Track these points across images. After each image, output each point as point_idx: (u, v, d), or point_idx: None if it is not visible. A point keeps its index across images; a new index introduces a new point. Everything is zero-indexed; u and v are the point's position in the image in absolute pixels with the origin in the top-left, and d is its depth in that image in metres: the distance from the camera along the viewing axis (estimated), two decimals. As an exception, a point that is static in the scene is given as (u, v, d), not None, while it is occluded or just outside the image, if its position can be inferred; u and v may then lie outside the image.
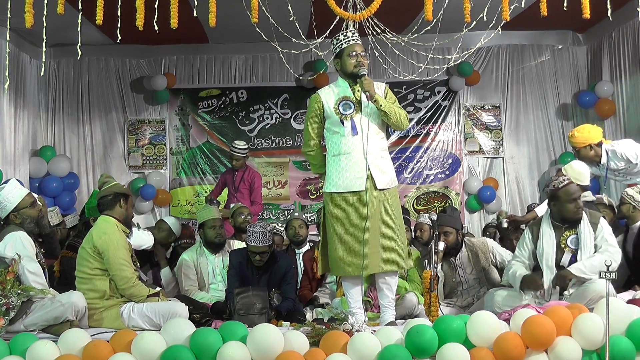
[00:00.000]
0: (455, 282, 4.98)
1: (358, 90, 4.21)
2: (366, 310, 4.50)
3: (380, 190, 4.15)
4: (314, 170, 4.56)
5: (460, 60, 7.35)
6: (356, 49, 4.18)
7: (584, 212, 4.34)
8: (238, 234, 6.02)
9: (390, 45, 5.86)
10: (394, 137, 8.46)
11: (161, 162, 8.65)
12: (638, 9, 4.49)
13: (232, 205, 6.55)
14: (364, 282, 4.43)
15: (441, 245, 4.86)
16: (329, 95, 4.25)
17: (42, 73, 4.80)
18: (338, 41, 4.22)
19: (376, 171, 4.15)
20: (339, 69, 4.27)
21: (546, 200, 5.63)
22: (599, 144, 5.34)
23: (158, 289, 4.53)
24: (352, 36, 4.22)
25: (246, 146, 7.03)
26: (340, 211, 4.18)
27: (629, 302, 3.97)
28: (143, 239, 5.32)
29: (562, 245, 4.33)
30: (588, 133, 5.38)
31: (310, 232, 6.23)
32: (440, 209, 8.22)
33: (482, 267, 5.01)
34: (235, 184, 7.00)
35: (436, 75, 7.28)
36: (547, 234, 4.38)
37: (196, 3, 4.42)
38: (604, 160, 5.35)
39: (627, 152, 5.26)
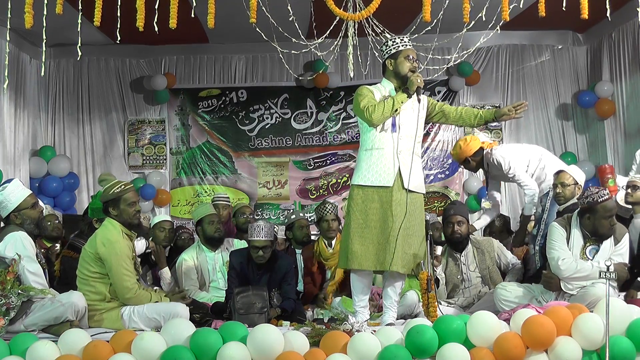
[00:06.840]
0: (458, 280, 4.99)
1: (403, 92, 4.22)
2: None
3: (407, 191, 4.16)
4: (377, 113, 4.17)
5: (460, 60, 7.34)
6: (412, 53, 4.24)
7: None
8: (240, 234, 6.00)
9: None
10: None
11: (161, 162, 8.65)
12: (638, 8, 4.49)
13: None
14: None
15: (438, 250, 4.90)
16: (375, 91, 4.28)
17: (42, 73, 4.81)
18: (394, 43, 4.25)
19: (406, 170, 4.17)
20: (392, 69, 4.27)
21: (484, 216, 5.73)
22: (478, 152, 5.47)
23: (157, 289, 4.52)
24: (408, 41, 4.27)
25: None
26: (363, 205, 4.21)
27: (629, 302, 3.97)
28: (138, 248, 5.31)
29: (580, 254, 4.31)
30: (459, 149, 5.55)
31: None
32: (440, 208, 8.22)
33: (487, 265, 5.01)
34: None
35: (436, 75, 7.27)
36: (577, 241, 4.32)
37: (195, 3, 4.42)
38: (485, 165, 5.55)
39: (501, 160, 5.37)
